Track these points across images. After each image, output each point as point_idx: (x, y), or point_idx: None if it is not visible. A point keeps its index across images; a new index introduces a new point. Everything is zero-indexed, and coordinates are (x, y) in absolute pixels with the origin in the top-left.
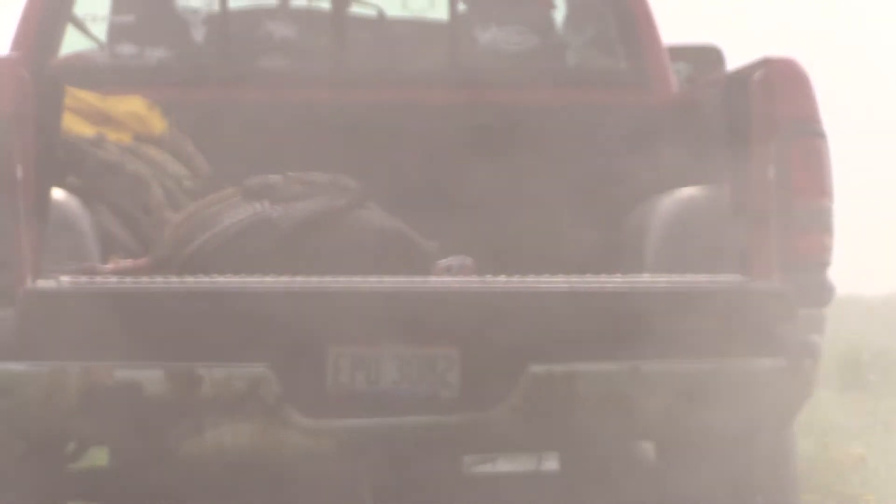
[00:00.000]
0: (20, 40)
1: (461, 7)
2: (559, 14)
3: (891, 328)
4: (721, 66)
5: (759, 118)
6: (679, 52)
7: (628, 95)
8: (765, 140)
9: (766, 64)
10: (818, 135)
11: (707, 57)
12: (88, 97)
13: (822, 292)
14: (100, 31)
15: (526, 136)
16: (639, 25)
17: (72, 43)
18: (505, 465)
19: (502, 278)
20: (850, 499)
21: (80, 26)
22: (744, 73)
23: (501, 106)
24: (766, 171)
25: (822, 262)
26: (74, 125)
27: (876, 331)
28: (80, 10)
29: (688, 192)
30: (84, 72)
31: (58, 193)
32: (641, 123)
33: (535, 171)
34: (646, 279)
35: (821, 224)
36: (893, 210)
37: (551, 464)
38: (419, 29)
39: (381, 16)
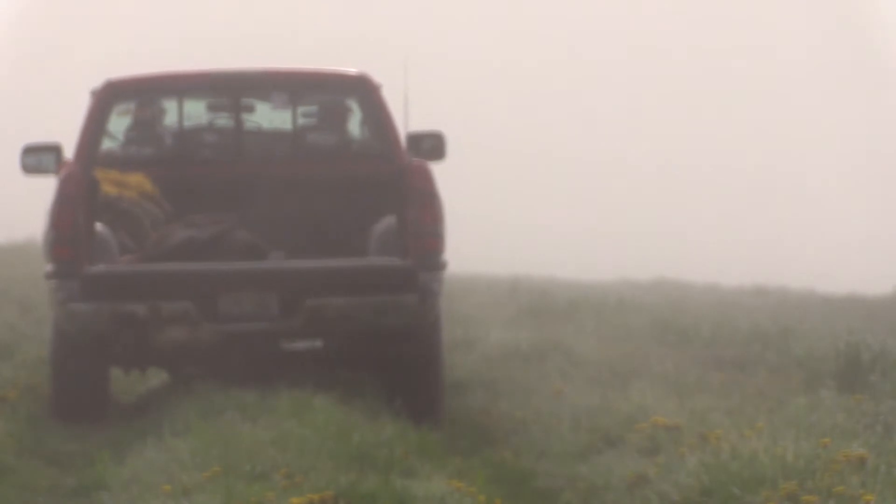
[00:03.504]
0: (81, 145)
1: (299, 122)
2: (352, 122)
3: (891, 329)
4: (442, 146)
5: (409, 186)
6: (418, 136)
7: (380, 165)
8: (409, 197)
9: (412, 162)
10: (434, 196)
11: (434, 139)
12: (113, 173)
13: (437, 265)
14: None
15: (325, 188)
16: (385, 124)
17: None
18: (299, 345)
19: (296, 261)
20: (850, 500)
21: (110, 135)
22: (405, 164)
23: (317, 173)
24: (410, 211)
25: (437, 251)
26: (106, 188)
27: (876, 331)
28: (112, 126)
29: (388, 219)
30: (112, 160)
31: (98, 226)
32: (384, 180)
33: (326, 206)
34: (357, 260)
35: (435, 235)
36: (893, 212)
37: (318, 343)
38: (278, 134)
39: (260, 128)
